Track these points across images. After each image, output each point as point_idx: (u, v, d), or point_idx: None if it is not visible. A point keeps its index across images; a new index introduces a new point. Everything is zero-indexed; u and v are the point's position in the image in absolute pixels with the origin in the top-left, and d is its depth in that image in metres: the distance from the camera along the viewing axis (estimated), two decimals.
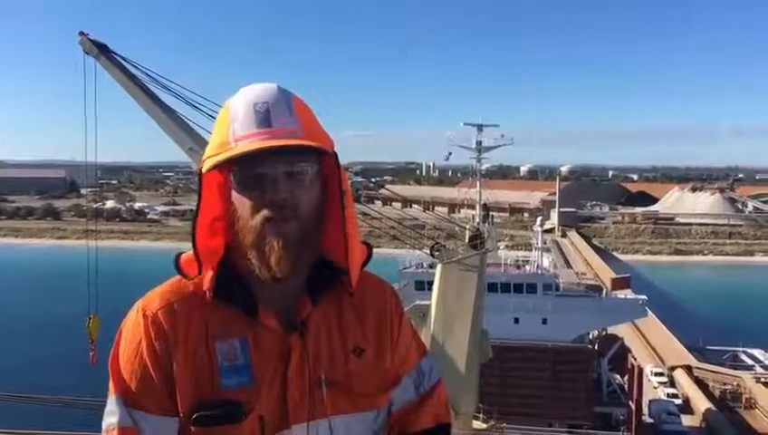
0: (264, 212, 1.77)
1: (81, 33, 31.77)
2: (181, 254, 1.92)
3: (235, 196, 1.82)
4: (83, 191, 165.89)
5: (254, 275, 1.84)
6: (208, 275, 1.88)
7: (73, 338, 38.51)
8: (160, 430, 1.85)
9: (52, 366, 52.12)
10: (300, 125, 1.80)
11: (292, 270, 1.81)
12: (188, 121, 31.10)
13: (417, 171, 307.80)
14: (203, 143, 30.56)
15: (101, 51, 31.53)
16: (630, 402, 38.58)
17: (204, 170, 1.81)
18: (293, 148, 1.75)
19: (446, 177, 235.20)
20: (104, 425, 1.88)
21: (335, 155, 1.88)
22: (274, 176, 1.77)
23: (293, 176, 1.79)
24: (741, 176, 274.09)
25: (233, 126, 1.79)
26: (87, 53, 31.47)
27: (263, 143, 1.73)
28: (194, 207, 1.86)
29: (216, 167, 1.80)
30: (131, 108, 32.17)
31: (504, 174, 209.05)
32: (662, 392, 48.03)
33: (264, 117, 1.78)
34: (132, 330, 1.89)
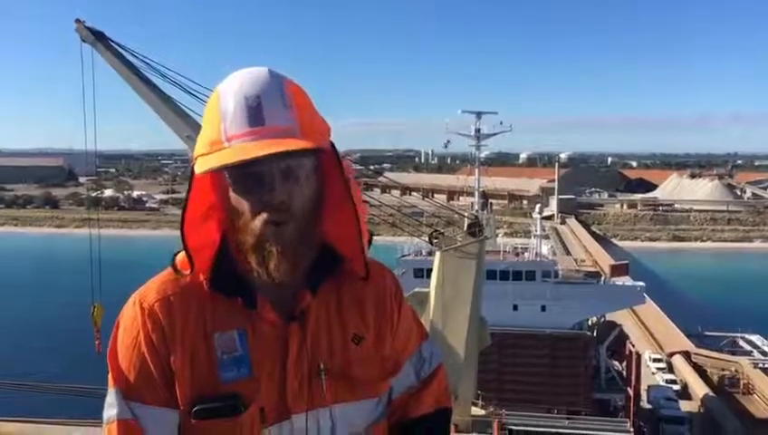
0: (264, 216, 1.74)
1: (78, 21, 31.58)
2: (178, 253, 1.90)
3: (232, 196, 1.78)
4: (82, 180, 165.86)
5: (255, 277, 1.82)
6: (205, 266, 1.86)
7: (76, 326, 38.58)
8: (160, 423, 1.84)
9: (54, 355, 52.24)
10: (295, 119, 1.72)
11: (291, 272, 1.80)
12: (186, 109, 31.03)
13: (416, 159, 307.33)
14: (200, 131, 30.50)
15: (98, 38, 31.38)
16: (629, 389, 38.75)
17: (198, 172, 1.72)
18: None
19: (445, 164, 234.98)
20: (104, 417, 1.87)
21: (333, 145, 1.84)
22: (271, 175, 1.72)
23: (290, 172, 1.74)
24: (740, 162, 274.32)
25: (224, 123, 1.71)
26: (84, 41, 31.32)
27: (257, 146, 1.65)
28: (185, 202, 1.81)
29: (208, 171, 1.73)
30: (129, 96, 32.10)
31: (502, 161, 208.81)
32: (660, 378, 48.23)
33: (257, 113, 1.69)
34: (129, 322, 1.87)
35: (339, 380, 1.91)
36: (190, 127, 30.94)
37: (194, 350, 1.83)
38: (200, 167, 1.71)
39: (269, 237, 1.75)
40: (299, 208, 1.76)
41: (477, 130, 41.43)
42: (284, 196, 1.73)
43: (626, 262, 60.95)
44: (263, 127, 1.68)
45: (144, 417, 1.83)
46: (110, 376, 1.88)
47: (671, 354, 53.24)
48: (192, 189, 1.79)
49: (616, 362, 43.75)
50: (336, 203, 1.88)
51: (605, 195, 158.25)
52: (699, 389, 46.25)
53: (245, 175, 1.72)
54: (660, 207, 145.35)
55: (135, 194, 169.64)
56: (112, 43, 31.77)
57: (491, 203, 46.19)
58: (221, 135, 1.71)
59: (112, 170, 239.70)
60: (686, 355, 52.66)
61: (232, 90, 1.73)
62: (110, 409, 1.85)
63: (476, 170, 41.30)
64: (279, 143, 1.66)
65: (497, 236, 48.70)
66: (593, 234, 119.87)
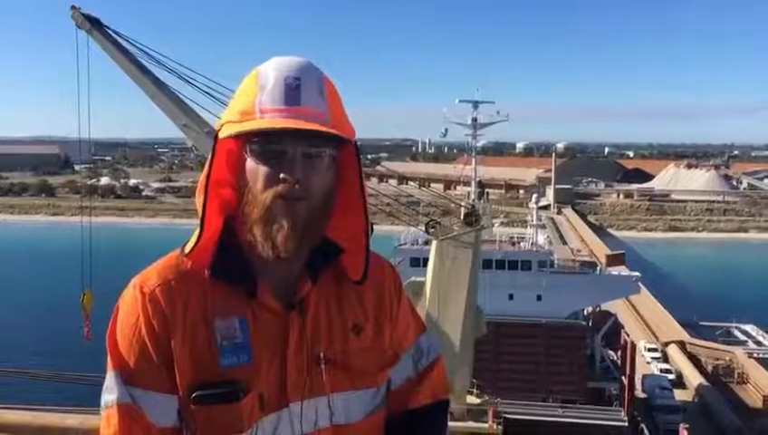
0: (277, 188, 1.74)
1: (73, 8, 31.39)
2: (185, 245, 1.90)
3: (249, 167, 1.79)
4: (78, 168, 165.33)
5: (255, 251, 1.81)
6: (207, 251, 1.85)
7: (69, 314, 38.58)
8: (160, 408, 1.84)
9: (47, 343, 52.27)
10: (327, 108, 1.77)
11: (296, 251, 1.79)
12: (182, 97, 30.94)
13: (414, 148, 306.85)
14: (197, 119, 30.46)
15: (94, 25, 31.21)
16: (623, 378, 38.90)
17: (222, 135, 1.78)
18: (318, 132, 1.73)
19: (442, 154, 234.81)
20: (102, 402, 1.86)
21: (355, 144, 1.87)
22: (293, 155, 1.74)
23: (311, 158, 1.76)
24: (736, 153, 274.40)
25: (260, 95, 1.75)
26: (79, 28, 31.15)
27: (289, 121, 1.70)
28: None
29: (235, 135, 1.77)
30: (126, 83, 31.98)
31: (500, 151, 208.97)
32: (655, 368, 48.43)
33: (294, 93, 1.74)
34: (129, 307, 1.86)
35: (338, 369, 1.92)
36: (187, 115, 30.87)
37: (194, 335, 1.83)
38: (227, 131, 1.76)
39: (278, 211, 1.75)
40: (314, 192, 1.77)
41: (474, 120, 41.36)
42: (302, 175, 1.75)
43: (622, 252, 61.07)
44: (297, 107, 1.73)
45: (144, 402, 1.83)
46: (108, 360, 1.87)
47: (666, 344, 53.44)
48: (215, 154, 1.80)
49: (611, 352, 43.91)
50: (347, 203, 1.90)
51: (602, 185, 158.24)
52: (694, 378, 46.49)
53: (269, 149, 1.75)
54: (657, 198, 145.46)
55: (131, 182, 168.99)
56: (108, 30, 31.61)
57: (487, 193, 46.21)
58: (254, 106, 1.74)
59: (108, 158, 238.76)
60: (681, 345, 52.87)
61: (274, 68, 1.78)
62: (110, 393, 1.85)
63: (473, 160, 41.24)
64: (312, 123, 1.71)
65: (494, 225, 48.77)
66: (590, 224, 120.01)
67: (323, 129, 1.71)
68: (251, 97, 1.77)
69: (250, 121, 1.74)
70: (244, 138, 1.76)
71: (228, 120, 1.78)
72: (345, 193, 1.89)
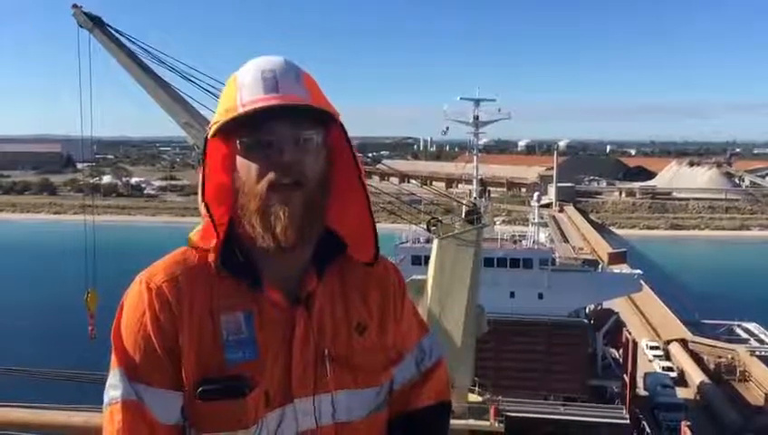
0: (270, 176, 1.76)
1: (75, 6, 31.45)
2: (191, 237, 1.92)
3: (240, 161, 1.81)
4: (80, 166, 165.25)
5: (259, 245, 1.82)
6: (213, 247, 1.87)
7: (73, 312, 38.62)
8: (164, 404, 1.83)
9: (51, 342, 52.32)
10: (307, 94, 1.79)
11: (298, 240, 1.80)
12: (184, 95, 30.99)
13: (415, 146, 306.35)
14: (198, 117, 30.50)
15: (96, 24, 31.26)
16: (625, 376, 38.87)
17: (209, 135, 1.80)
18: (301, 111, 1.75)
19: (444, 152, 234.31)
20: (106, 399, 1.85)
21: (342, 126, 1.88)
22: (281, 141, 1.76)
23: (300, 142, 1.78)
24: (738, 150, 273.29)
25: (240, 93, 1.79)
26: (81, 27, 31.20)
27: (269, 101, 1.74)
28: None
29: (222, 133, 1.79)
30: (127, 82, 32.02)
31: (501, 149, 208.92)
32: (657, 366, 48.39)
33: (272, 83, 1.77)
34: (135, 302, 1.86)
35: (342, 367, 1.92)
36: (188, 113, 30.93)
37: (200, 330, 1.83)
38: (213, 129, 1.80)
39: (275, 200, 1.77)
40: (308, 175, 1.79)
41: (476, 118, 41.24)
42: (292, 159, 1.76)
43: (624, 250, 61.06)
44: (277, 94, 1.76)
45: (149, 398, 1.82)
46: (113, 356, 1.86)
47: (668, 342, 53.38)
48: (206, 155, 1.83)
49: (612, 350, 43.86)
50: (344, 188, 1.91)
51: (603, 183, 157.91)
52: (696, 376, 46.44)
53: (257, 141, 1.77)
54: (659, 196, 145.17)
55: (133, 180, 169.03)
56: (110, 29, 31.65)
57: (489, 191, 46.20)
58: (236, 102, 1.78)
59: (110, 157, 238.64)
60: (683, 343, 52.79)
61: (250, 68, 1.83)
62: (114, 390, 1.84)
63: (475, 158, 41.14)
64: (292, 99, 1.75)
65: (495, 223, 48.74)
66: (591, 222, 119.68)
67: (303, 101, 1.76)
68: (232, 96, 1.80)
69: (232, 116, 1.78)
70: (234, 136, 1.79)
71: (214, 122, 1.82)
72: (342, 177, 1.90)
